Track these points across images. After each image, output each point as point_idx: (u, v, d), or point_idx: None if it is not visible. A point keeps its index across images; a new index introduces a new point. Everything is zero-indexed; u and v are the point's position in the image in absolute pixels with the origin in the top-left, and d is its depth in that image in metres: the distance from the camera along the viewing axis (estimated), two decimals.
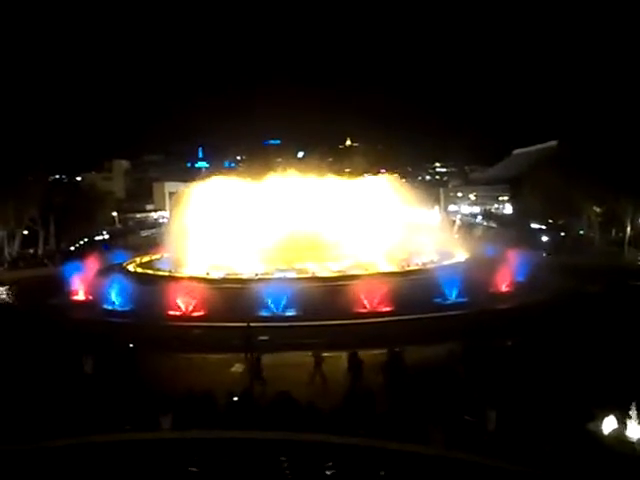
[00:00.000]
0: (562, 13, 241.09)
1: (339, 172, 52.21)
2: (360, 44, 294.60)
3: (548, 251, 53.28)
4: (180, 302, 30.34)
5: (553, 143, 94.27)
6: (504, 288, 33.61)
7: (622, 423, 15.37)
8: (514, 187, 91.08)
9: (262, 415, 17.04)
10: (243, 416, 17.04)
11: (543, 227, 72.68)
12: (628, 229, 57.79)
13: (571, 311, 27.94)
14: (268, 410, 17.19)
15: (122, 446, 16.12)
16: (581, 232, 66.54)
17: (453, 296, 31.26)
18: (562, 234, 67.14)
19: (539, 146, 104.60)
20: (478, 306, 29.79)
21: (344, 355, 21.90)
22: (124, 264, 40.84)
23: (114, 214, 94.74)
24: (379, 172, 54.95)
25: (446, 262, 37.81)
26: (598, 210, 61.92)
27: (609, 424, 15.40)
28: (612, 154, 56.91)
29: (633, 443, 15.01)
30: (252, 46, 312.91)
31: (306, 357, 22.56)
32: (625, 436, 15.20)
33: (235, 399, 18.08)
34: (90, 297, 35.59)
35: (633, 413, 15.30)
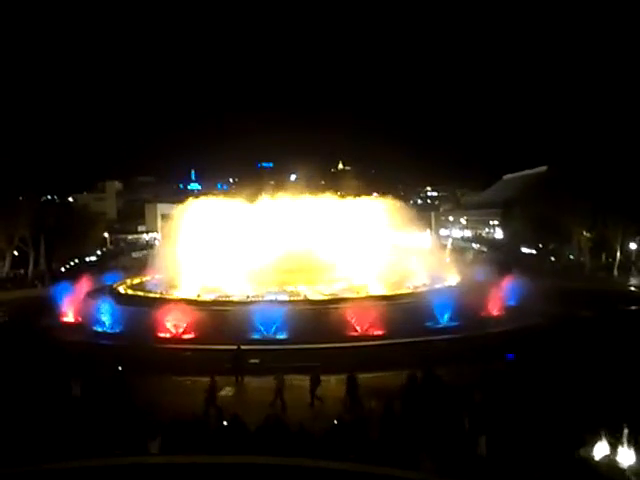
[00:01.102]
0: (551, 40, 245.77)
1: (331, 195, 52.37)
2: (354, 69, 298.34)
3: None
4: (170, 324, 30.17)
5: (543, 168, 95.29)
6: (495, 312, 33.65)
7: (613, 449, 15.31)
8: (505, 212, 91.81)
9: (251, 439, 16.86)
10: (232, 440, 16.85)
11: (533, 251, 73.15)
12: (618, 254, 58.25)
13: (562, 336, 27.97)
14: (258, 434, 17.01)
15: (108, 471, 15.86)
16: (571, 257, 66.97)
17: (445, 320, 31.27)
18: (552, 259, 67.57)
19: (529, 171, 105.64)
20: (469, 330, 29.83)
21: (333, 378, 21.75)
22: (114, 285, 40.62)
23: (105, 235, 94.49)
24: (371, 195, 55.27)
25: (438, 286, 37.86)
26: (588, 235, 62.44)
27: (600, 450, 15.34)
28: (601, 179, 57.62)
29: (624, 470, 14.94)
30: (246, 69, 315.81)
31: (294, 380, 22.54)
32: (616, 462, 15.13)
33: (225, 423, 17.89)
34: (80, 319, 35.31)
35: (624, 439, 15.26)
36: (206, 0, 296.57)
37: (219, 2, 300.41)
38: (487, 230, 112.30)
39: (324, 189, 58.69)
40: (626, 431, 15.35)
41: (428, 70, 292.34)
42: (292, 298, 34.33)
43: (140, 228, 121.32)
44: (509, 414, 18.37)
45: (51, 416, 19.18)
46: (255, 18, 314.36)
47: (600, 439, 15.43)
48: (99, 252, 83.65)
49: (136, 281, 43.17)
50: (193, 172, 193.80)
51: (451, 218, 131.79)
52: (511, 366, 24.75)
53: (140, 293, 37.96)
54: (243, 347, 26.30)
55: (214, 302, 33.74)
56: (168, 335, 30.11)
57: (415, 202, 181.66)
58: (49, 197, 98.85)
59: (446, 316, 31.26)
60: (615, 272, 56.93)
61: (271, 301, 32.90)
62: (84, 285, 39.75)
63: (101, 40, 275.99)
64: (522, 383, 21.86)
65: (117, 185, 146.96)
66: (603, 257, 62.63)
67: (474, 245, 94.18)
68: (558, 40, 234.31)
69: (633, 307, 39.91)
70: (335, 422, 17.57)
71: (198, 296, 34.95)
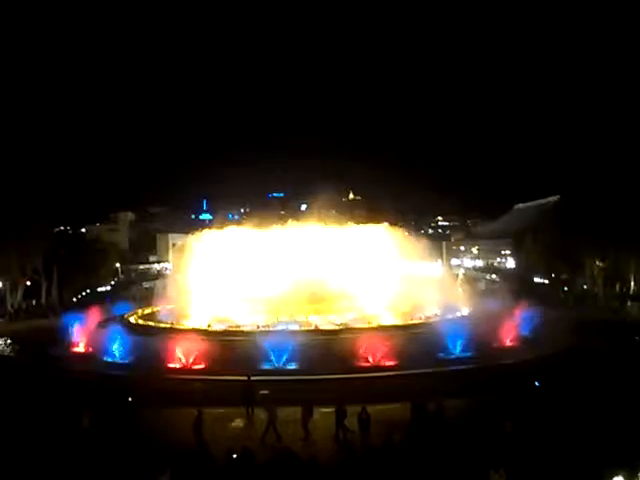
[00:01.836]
0: (560, 66, 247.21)
1: (342, 224, 52.52)
2: (363, 100, 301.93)
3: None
4: (181, 355, 30.04)
5: (554, 198, 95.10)
6: (509, 343, 33.22)
7: None
8: (516, 241, 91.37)
9: (261, 473, 16.56)
10: (243, 474, 16.56)
11: (546, 281, 72.50)
12: (632, 284, 57.61)
13: (577, 367, 27.52)
14: (269, 467, 16.71)
15: None
16: (584, 287, 66.28)
17: (457, 351, 30.88)
18: (565, 289, 66.90)
19: (540, 201, 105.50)
20: (483, 361, 29.41)
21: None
22: (125, 316, 40.65)
23: (117, 265, 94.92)
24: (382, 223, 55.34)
25: (450, 316, 37.53)
26: (601, 265, 61.89)
27: None
28: (613, 209, 57.36)
29: None
30: (256, 101, 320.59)
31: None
32: None
33: (234, 456, 17.59)
34: (90, 349, 35.28)
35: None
36: (221, 33, 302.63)
37: (233, 34, 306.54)
38: (499, 260, 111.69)
39: (335, 219, 58.84)
40: None
41: (441, 100, 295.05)
42: (303, 328, 34.13)
43: (151, 258, 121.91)
44: (525, 446, 17.98)
45: (60, 448, 19.03)
46: (265, 47, 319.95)
47: (617, 472, 15.04)
48: (111, 282, 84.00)
49: (147, 311, 43.25)
50: (205, 202, 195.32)
51: (462, 248, 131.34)
52: (526, 397, 24.29)
53: (151, 323, 37.98)
54: (253, 378, 26.03)
55: (224, 332, 33.64)
56: (178, 365, 29.96)
57: (426, 232, 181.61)
58: (62, 228, 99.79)
59: (459, 347, 30.88)
60: (629, 302, 56.22)
61: (282, 331, 32.71)
62: (95, 315, 39.84)
63: (115, 73, 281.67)
64: (537, 415, 21.44)
65: (129, 215, 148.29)
66: (617, 287, 61.95)
67: (486, 275, 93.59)
68: (571, 67, 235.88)
69: None
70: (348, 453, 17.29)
71: (209, 326, 34.90)
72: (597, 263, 62.19)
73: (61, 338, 36.96)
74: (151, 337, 33.48)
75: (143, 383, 26.66)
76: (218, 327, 34.73)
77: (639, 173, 61.50)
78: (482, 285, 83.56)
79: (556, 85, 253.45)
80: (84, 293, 70.31)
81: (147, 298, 55.24)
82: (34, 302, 63.64)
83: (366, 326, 33.77)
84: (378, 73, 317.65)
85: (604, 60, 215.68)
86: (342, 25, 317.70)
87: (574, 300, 58.54)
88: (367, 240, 44.99)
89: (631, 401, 22.69)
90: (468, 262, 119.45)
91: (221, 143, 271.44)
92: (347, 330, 32.79)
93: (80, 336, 36.36)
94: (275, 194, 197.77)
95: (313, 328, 34.20)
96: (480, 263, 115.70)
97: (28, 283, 63.38)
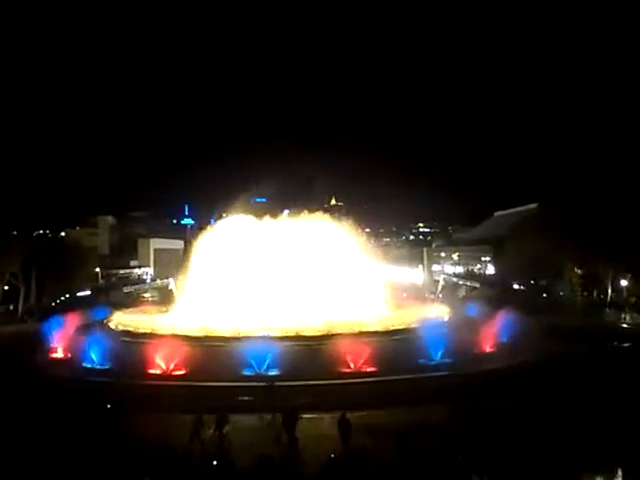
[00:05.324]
0: (540, 77, 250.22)
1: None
2: (346, 107, 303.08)
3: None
4: (161, 360, 29.82)
5: (533, 206, 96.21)
6: (488, 349, 33.51)
7: None
8: (496, 248, 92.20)
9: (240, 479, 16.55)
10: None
11: (525, 288, 73.24)
12: (609, 291, 58.45)
13: (556, 373, 27.87)
14: (248, 474, 16.70)
15: None
16: (562, 293, 67.06)
17: (438, 357, 31.06)
18: (544, 295, 67.62)
19: (520, 208, 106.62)
20: (463, 367, 29.63)
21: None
22: (104, 321, 40.22)
23: (97, 270, 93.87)
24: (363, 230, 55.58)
25: (431, 322, 37.69)
26: (579, 272, 62.70)
27: None
28: (591, 217, 58.26)
29: None
30: (239, 107, 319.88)
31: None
32: None
33: (214, 463, 17.57)
34: (69, 355, 34.85)
35: (619, 476, 15.13)
36: (203, 39, 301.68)
37: (216, 40, 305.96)
38: (479, 266, 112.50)
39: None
40: (620, 468, 15.22)
41: (422, 107, 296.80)
42: (284, 334, 34.03)
43: (132, 263, 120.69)
44: (505, 452, 18.16)
45: (38, 454, 18.82)
46: (248, 52, 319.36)
47: (595, 477, 15.30)
48: (91, 287, 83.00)
49: (127, 316, 42.78)
50: (187, 207, 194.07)
51: (443, 254, 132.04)
52: (504, 404, 24.56)
53: (130, 328, 37.54)
54: (232, 384, 25.74)
55: (205, 338, 33.38)
56: (159, 371, 29.73)
57: (407, 238, 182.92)
58: (41, 232, 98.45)
59: (439, 353, 31.06)
60: (607, 309, 57.04)
61: (263, 337, 32.60)
62: (74, 320, 39.33)
63: (97, 77, 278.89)
64: (518, 421, 21.68)
65: (110, 220, 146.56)
66: (595, 294, 62.79)
67: (467, 281, 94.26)
68: (547, 77, 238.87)
69: (626, 344, 39.86)
70: (332, 455, 17.33)
71: (190, 332, 34.60)
72: (575, 270, 63.01)
73: (39, 344, 36.45)
74: (131, 343, 33.17)
75: (122, 389, 26.46)
76: (199, 333, 34.48)
77: (617, 182, 62.69)
78: (462, 291, 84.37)
79: (537, 95, 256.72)
80: (63, 298, 69.42)
81: (127, 303, 54.79)
82: (12, 307, 62.71)
83: (347, 332, 33.77)
84: (361, 84, 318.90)
85: (582, 70, 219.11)
86: (319, 29, 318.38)
87: (552, 307, 59.15)
88: (349, 244, 44.91)
89: (608, 405, 23.04)
90: (449, 268, 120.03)
91: (204, 148, 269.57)
92: (328, 336, 32.77)
93: (59, 341, 35.90)
94: (258, 199, 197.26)
95: (294, 334, 34.13)
96: (460, 269, 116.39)
97: (6, 287, 62.50)
